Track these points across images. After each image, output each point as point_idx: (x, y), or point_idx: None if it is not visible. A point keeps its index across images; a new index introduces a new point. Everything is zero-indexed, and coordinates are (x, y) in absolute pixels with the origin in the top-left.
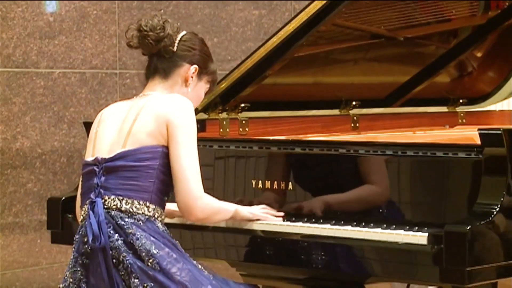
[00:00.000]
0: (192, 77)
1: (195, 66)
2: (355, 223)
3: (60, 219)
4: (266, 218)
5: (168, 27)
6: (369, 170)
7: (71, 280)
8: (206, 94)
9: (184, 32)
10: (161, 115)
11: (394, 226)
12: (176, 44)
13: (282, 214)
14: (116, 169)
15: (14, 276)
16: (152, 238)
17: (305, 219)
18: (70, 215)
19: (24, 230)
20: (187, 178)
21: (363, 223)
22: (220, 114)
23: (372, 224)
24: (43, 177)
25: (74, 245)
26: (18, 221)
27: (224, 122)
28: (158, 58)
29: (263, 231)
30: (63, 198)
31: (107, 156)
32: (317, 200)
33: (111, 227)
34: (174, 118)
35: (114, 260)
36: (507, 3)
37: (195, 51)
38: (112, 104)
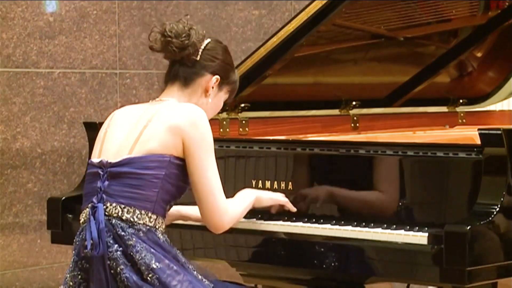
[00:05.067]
0: (212, 88)
1: (217, 76)
2: (355, 223)
3: (60, 219)
4: (286, 203)
5: (193, 34)
6: (370, 170)
7: (71, 283)
8: (224, 102)
9: (208, 40)
10: (176, 127)
11: (394, 226)
12: (199, 53)
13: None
14: (121, 175)
15: (14, 276)
16: (152, 250)
17: (306, 219)
18: (70, 215)
19: (24, 230)
20: (212, 195)
21: (363, 223)
22: (220, 114)
23: (372, 224)
24: (43, 177)
25: (74, 248)
26: (18, 221)
27: (224, 122)
28: (180, 65)
29: (262, 231)
30: (63, 198)
31: (113, 160)
32: (318, 200)
33: (111, 236)
34: (191, 133)
35: (111, 271)
36: (507, 3)
37: (218, 61)
38: (126, 106)
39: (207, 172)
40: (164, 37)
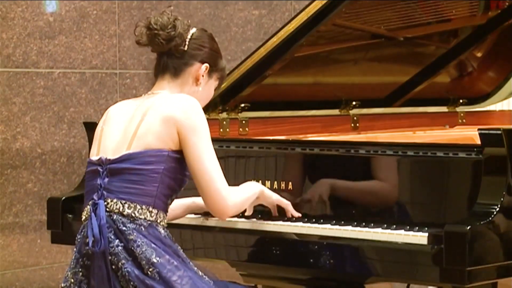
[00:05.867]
0: (203, 76)
1: (206, 64)
2: (355, 223)
3: (60, 219)
4: (288, 205)
5: (178, 25)
6: (370, 170)
7: (72, 280)
8: (214, 90)
9: (194, 30)
10: (170, 118)
11: (394, 226)
12: (187, 43)
13: (299, 214)
14: (121, 171)
15: (14, 276)
16: (153, 245)
17: (306, 219)
18: (70, 215)
19: (24, 230)
20: (213, 181)
21: (363, 223)
22: (220, 114)
23: (372, 224)
24: (43, 177)
25: (76, 245)
26: (18, 221)
27: (224, 122)
28: (168, 57)
29: (263, 231)
30: (63, 198)
31: (111, 157)
32: (318, 200)
33: (112, 231)
34: (185, 121)
35: (113, 266)
36: (507, 3)
37: (206, 49)
38: (120, 102)
39: (204, 158)
40: (150, 30)
